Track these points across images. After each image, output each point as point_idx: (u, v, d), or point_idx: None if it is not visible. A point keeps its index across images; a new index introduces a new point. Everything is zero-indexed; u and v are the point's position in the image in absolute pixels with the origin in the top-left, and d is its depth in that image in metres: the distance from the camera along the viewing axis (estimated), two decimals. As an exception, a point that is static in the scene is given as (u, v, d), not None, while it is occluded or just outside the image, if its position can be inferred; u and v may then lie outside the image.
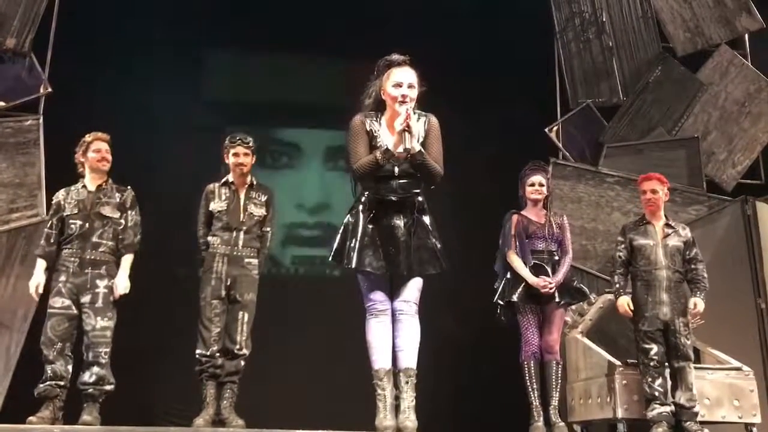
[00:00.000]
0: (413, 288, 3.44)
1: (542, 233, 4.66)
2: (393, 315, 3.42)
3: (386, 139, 3.43)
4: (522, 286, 4.54)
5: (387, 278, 3.43)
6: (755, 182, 7.04)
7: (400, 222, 3.42)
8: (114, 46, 6.71)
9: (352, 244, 3.39)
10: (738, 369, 4.78)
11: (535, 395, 4.48)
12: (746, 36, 7.47)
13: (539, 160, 4.93)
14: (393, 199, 3.40)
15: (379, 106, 3.52)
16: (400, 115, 3.34)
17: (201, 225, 4.62)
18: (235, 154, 4.59)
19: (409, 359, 3.37)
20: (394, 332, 3.40)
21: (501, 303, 4.63)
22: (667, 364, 4.45)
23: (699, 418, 4.40)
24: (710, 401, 4.62)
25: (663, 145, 7.08)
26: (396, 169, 3.39)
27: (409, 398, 3.34)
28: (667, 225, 4.67)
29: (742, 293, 5.34)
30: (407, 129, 3.29)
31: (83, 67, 6.56)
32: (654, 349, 4.43)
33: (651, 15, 7.45)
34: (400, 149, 3.30)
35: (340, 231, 3.51)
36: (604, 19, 7.43)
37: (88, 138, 4.50)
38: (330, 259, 3.52)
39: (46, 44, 6.46)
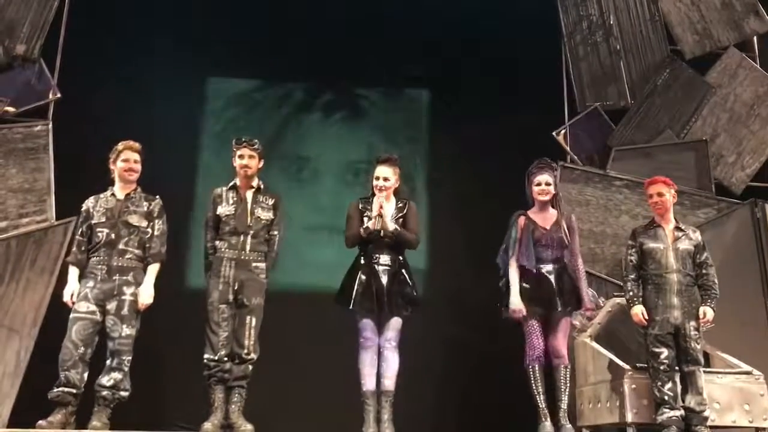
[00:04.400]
0: (393, 329, 4.46)
1: (547, 241, 4.59)
2: (379, 348, 4.45)
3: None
4: (525, 292, 4.53)
5: (375, 318, 4.46)
6: (764, 185, 7.00)
7: (385, 274, 4.48)
8: (122, 51, 6.75)
9: (350, 290, 4.47)
10: (748, 373, 4.74)
11: (541, 398, 4.46)
12: (755, 38, 7.44)
13: (546, 158, 4.82)
14: (380, 257, 4.50)
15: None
16: (379, 201, 4.52)
17: (208, 229, 4.63)
18: (240, 156, 4.60)
19: (389, 384, 4.40)
20: (379, 362, 4.43)
21: (504, 307, 4.60)
22: (677, 368, 4.43)
23: (709, 423, 4.38)
24: (720, 405, 4.59)
25: (671, 148, 7.05)
26: (385, 240, 4.50)
27: (387, 413, 4.34)
28: (677, 228, 4.65)
29: (752, 296, 5.30)
30: (380, 214, 4.49)
31: (92, 72, 6.61)
32: (664, 353, 4.41)
33: (659, 18, 7.43)
34: (379, 225, 4.50)
35: (343, 281, 4.57)
36: (611, 22, 7.41)
37: (119, 146, 4.53)
38: (335, 302, 4.55)
39: (56, 50, 6.50)
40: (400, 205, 4.63)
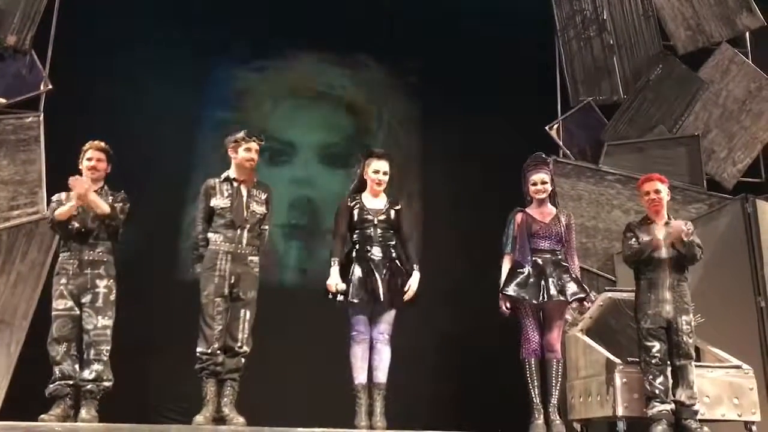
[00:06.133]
0: (386, 322, 4.49)
1: (545, 233, 4.61)
2: (371, 342, 4.46)
3: (368, 203, 4.59)
4: (516, 284, 4.53)
5: (368, 311, 4.48)
6: (756, 180, 7.04)
7: (379, 266, 4.48)
8: (114, 43, 6.72)
9: (346, 285, 4.43)
10: (738, 367, 4.77)
11: (536, 393, 4.48)
12: (747, 34, 7.47)
13: (541, 154, 4.84)
14: (372, 249, 4.50)
15: (362, 186, 4.69)
16: (376, 189, 4.60)
17: (200, 221, 4.56)
18: (248, 149, 4.55)
19: (381, 376, 4.43)
20: (371, 355, 4.44)
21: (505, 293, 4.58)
22: (669, 362, 4.46)
23: (699, 416, 4.40)
24: (710, 399, 4.62)
25: (663, 143, 7.08)
26: (377, 229, 4.53)
27: (380, 406, 4.38)
28: (668, 224, 4.65)
29: (742, 291, 5.33)
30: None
31: (83, 64, 6.57)
32: (656, 346, 4.43)
33: (652, 13, 7.44)
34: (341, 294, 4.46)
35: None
36: (605, 17, 7.42)
37: (85, 146, 4.58)
38: (329, 296, 4.47)
39: (47, 41, 6.46)
40: (389, 205, 4.65)
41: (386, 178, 4.62)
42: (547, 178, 4.70)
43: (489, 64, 7.18)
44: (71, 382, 4.29)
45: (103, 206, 4.38)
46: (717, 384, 4.67)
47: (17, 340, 5.60)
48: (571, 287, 4.54)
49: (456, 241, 6.99)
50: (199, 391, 4.39)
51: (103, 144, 4.58)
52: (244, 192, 4.58)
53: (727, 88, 7.24)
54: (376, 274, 4.44)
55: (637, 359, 4.57)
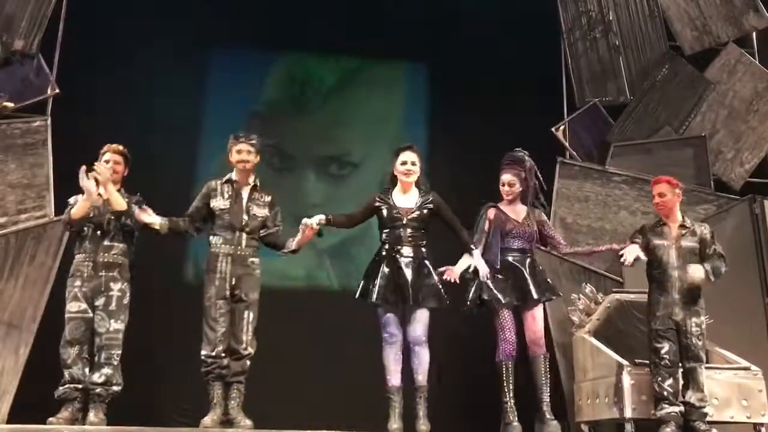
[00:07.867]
0: (421, 323, 4.39)
1: (519, 231, 4.60)
2: (408, 345, 4.39)
3: (398, 201, 4.50)
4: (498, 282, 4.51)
5: (399, 312, 4.41)
6: (763, 181, 7.01)
7: (409, 266, 4.38)
8: (121, 47, 6.73)
9: (373, 284, 4.39)
10: (746, 369, 4.76)
11: (510, 395, 4.45)
12: (754, 34, 7.44)
13: (516, 153, 4.78)
14: (402, 249, 4.41)
15: (393, 180, 4.63)
16: (405, 180, 4.52)
17: (192, 207, 4.59)
18: (239, 151, 4.58)
19: (421, 379, 4.38)
20: (411, 358, 4.37)
21: (478, 301, 4.55)
22: (679, 363, 4.44)
23: (707, 418, 4.39)
24: (718, 401, 4.61)
25: (670, 144, 7.05)
26: (407, 229, 4.43)
27: (422, 408, 4.35)
28: (682, 226, 4.62)
29: (751, 292, 5.31)
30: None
31: (91, 68, 6.59)
32: (666, 347, 4.41)
33: (658, 13, 7.42)
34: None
35: (364, 273, 4.53)
36: (610, 18, 7.41)
37: (103, 149, 4.61)
38: (357, 296, 4.47)
39: (54, 45, 6.48)
40: (423, 196, 4.55)
41: (415, 168, 4.51)
42: (514, 179, 4.66)
43: (494, 65, 7.17)
44: (80, 386, 4.32)
45: (120, 201, 4.41)
46: (726, 386, 4.66)
47: (26, 343, 5.61)
48: (550, 285, 4.61)
49: (457, 243, 6.97)
50: (206, 393, 4.40)
51: (120, 147, 4.62)
52: (245, 195, 4.60)
53: (734, 89, 7.21)
54: (405, 275, 4.36)
55: (645, 361, 4.56)
